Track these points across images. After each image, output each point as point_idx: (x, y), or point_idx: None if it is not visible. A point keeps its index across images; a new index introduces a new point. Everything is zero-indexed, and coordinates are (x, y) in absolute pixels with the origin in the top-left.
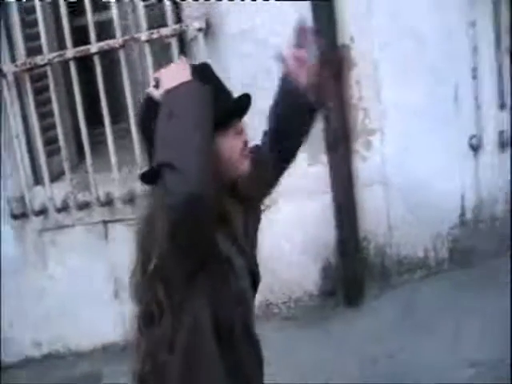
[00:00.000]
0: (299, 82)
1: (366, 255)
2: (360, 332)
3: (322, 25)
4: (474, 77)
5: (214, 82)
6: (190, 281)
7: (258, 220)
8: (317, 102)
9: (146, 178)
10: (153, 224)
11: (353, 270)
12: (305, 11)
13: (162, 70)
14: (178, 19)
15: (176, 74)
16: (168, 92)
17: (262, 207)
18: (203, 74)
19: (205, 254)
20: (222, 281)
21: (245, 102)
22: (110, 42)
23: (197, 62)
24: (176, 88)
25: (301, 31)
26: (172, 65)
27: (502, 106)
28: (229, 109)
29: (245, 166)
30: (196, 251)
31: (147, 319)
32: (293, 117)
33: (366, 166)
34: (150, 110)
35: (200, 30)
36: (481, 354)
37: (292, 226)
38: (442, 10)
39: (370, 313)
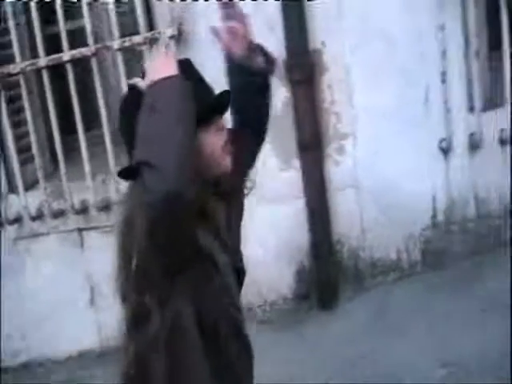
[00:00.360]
0: (238, 53)
1: (339, 258)
2: (333, 335)
3: (292, 30)
4: (443, 80)
5: (195, 77)
6: (171, 278)
7: (240, 214)
8: (263, 66)
9: (124, 174)
10: (132, 223)
11: (326, 273)
12: (275, 16)
13: (150, 63)
14: (151, 27)
15: (162, 67)
16: (151, 85)
17: (245, 198)
18: (185, 69)
19: (185, 251)
20: (204, 278)
21: (226, 98)
22: (83, 50)
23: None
24: (160, 82)
25: (225, 4)
26: (160, 57)
27: (471, 109)
28: (210, 105)
29: (226, 162)
30: (176, 249)
31: (134, 320)
32: (246, 89)
33: (338, 169)
34: (132, 101)
35: (172, 37)
36: (452, 355)
37: (266, 231)
38: (412, 12)
39: (343, 315)
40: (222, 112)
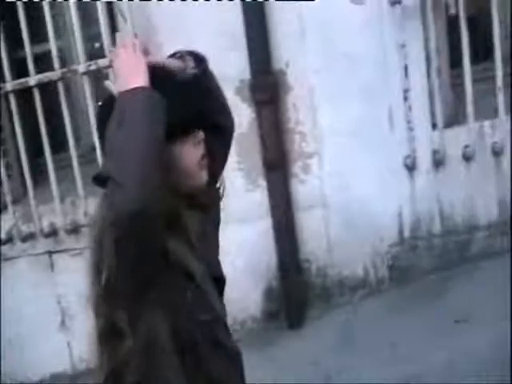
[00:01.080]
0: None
1: (307, 277)
2: (300, 354)
3: (256, 50)
4: (406, 98)
5: (174, 89)
6: (143, 294)
7: (217, 222)
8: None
9: (97, 181)
10: (101, 239)
11: (294, 292)
12: (239, 37)
13: (118, 61)
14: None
15: (132, 68)
16: (120, 96)
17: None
18: (163, 77)
19: (154, 266)
20: (178, 291)
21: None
22: (49, 75)
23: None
24: (130, 93)
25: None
26: (128, 53)
27: (434, 126)
28: (188, 117)
29: (202, 176)
30: (144, 265)
31: (106, 337)
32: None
33: (304, 188)
34: (106, 106)
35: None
36: (419, 371)
37: (234, 250)
38: (373, 32)
39: (311, 334)
40: (200, 126)
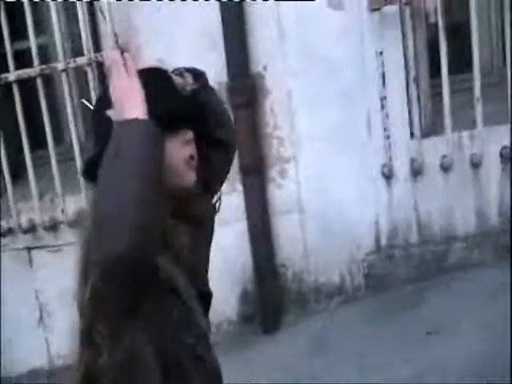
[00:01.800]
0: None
1: (283, 282)
2: (272, 359)
3: (234, 54)
4: (383, 106)
5: (164, 85)
6: (129, 309)
7: (210, 236)
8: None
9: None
10: (88, 247)
11: (270, 296)
12: (217, 40)
13: (112, 85)
14: (97, 48)
15: (128, 94)
16: (118, 125)
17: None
18: (151, 80)
19: (144, 285)
20: (164, 310)
21: (197, 111)
22: (28, 71)
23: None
24: (127, 124)
25: None
26: (121, 76)
27: (412, 135)
28: (175, 110)
29: (190, 177)
30: (133, 290)
31: (87, 340)
32: None
33: (281, 193)
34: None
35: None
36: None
37: (211, 253)
38: (352, 37)
39: (285, 340)
40: (190, 125)
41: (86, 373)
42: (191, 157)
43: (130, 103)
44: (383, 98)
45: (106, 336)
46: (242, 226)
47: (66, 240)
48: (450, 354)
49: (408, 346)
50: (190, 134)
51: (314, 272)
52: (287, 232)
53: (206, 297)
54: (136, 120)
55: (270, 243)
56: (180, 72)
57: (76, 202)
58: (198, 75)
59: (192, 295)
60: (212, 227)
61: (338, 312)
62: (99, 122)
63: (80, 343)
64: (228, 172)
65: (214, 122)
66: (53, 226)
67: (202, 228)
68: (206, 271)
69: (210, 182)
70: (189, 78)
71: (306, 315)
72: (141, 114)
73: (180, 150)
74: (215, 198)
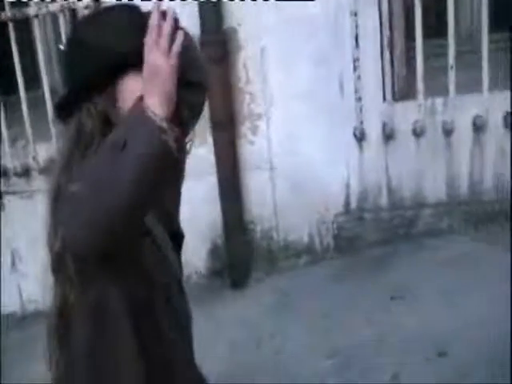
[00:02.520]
0: None
1: (252, 238)
2: (237, 315)
3: (207, 8)
4: (355, 68)
5: (134, 20)
6: (101, 262)
7: (181, 177)
8: None
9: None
10: (58, 195)
11: (238, 252)
12: None
13: (148, 57)
14: None
15: (157, 81)
16: (132, 113)
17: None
18: (123, 14)
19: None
20: (139, 256)
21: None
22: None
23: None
24: (143, 119)
25: None
26: (160, 55)
27: (384, 98)
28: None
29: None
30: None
31: (61, 300)
32: None
33: (252, 149)
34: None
35: (86, 7)
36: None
37: (181, 206)
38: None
39: (251, 297)
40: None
41: (60, 311)
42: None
43: (153, 92)
44: (356, 60)
45: (74, 275)
46: (212, 179)
47: (37, 186)
48: (411, 318)
49: (371, 309)
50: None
51: (282, 230)
52: (257, 188)
53: (177, 237)
54: (153, 121)
55: (239, 199)
56: (176, 18)
57: (48, 149)
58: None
59: (166, 241)
60: (183, 170)
61: (305, 271)
62: (69, 63)
63: (53, 281)
64: (201, 113)
65: (187, 65)
66: (25, 172)
67: (174, 169)
68: (178, 212)
69: (183, 121)
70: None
71: (274, 272)
72: (161, 112)
73: (135, 86)
74: (187, 139)
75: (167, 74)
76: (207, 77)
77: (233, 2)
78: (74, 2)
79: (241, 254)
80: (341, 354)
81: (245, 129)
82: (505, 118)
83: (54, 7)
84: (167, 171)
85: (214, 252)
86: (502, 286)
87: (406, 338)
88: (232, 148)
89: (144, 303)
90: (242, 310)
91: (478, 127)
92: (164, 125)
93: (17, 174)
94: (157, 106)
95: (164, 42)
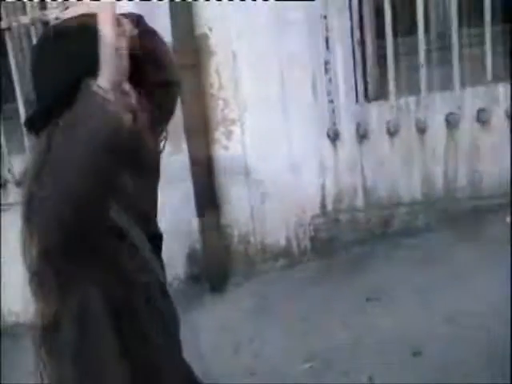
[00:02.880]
0: None
1: (229, 243)
2: (216, 320)
3: (178, 15)
4: (327, 70)
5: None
6: (77, 262)
7: (157, 176)
8: None
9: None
10: (30, 202)
11: (216, 257)
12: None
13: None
14: (43, 7)
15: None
16: (85, 95)
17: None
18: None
19: (95, 238)
20: (112, 252)
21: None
22: None
23: None
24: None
25: None
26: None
27: (357, 99)
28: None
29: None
30: (78, 250)
31: (39, 296)
32: None
33: (227, 155)
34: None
35: (57, 19)
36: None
37: (159, 213)
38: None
39: (230, 301)
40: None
41: (43, 326)
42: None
43: (104, 70)
44: (327, 62)
45: (54, 288)
46: (188, 185)
47: (14, 199)
48: (387, 320)
49: (348, 311)
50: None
51: (259, 234)
52: (233, 193)
53: (156, 239)
54: (98, 96)
55: (215, 204)
56: (117, 19)
57: (23, 161)
58: (136, 20)
59: (144, 243)
60: (158, 169)
61: (283, 274)
62: (37, 77)
63: (33, 297)
64: (173, 112)
65: (155, 65)
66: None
67: (149, 170)
68: (155, 213)
69: (156, 123)
70: (127, 25)
71: (252, 276)
72: (106, 84)
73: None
74: (161, 138)
75: (111, 45)
76: (178, 76)
77: (203, 7)
78: (44, 14)
79: (219, 258)
80: (318, 356)
81: (219, 134)
82: (478, 114)
83: (25, 20)
84: (124, 145)
85: (191, 257)
86: (477, 282)
87: (382, 339)
88: (207, 154)
89: (122, 303)
90: (221, 314)
91: (452, 124)
92: (109, 96)
93: None
94: (103, 80)
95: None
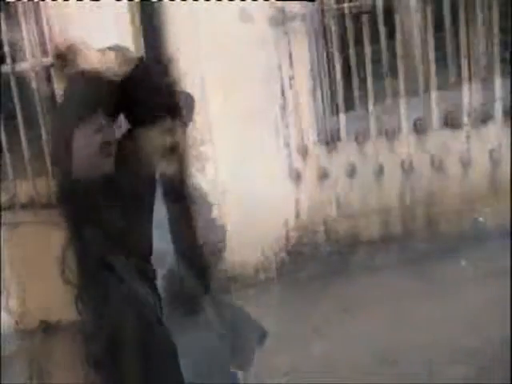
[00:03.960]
0: None
1: (204, 263)
2: (194, 338)
3: (149, 37)
4: (291, 85)
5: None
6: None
7: (149, 206)
8: None
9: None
10: None
11: (193, 277)
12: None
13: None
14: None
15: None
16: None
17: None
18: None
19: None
20: (107, 288)
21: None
22: None
23: None
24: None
25: None
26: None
27: (324, 112)
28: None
29: (107, 163)
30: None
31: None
32: None
33: (199, 176)
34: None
35: (52, 65)
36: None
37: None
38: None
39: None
40: (96, 108)
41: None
42: (106, 143)
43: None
44: (291, 78)
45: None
46: (162, 208)
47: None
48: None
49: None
50: (100, 119)
51: (234, 252)
52: (205, 214)
53: (148, 271)
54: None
55: (189, 225)
56: (103, 52)
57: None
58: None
59: (133, 274)
60: (151, 200)
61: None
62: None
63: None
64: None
65: (152, 98)
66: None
67: (140, 201)
68: (151, 245)
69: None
70: (111, 55)
71: (227, 294)
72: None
73: (92, 139)
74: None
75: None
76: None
77: (171, 31)
78: (43, 61)
79: (195, 278)
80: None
81: (190, 156)
82: (445, 118)
83: (25, 65)
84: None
85: (169, 278)
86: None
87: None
88: (179, 176)
89: (115, 329)
90: (196, 337)
91: (420, 129)
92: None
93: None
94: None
95: None
